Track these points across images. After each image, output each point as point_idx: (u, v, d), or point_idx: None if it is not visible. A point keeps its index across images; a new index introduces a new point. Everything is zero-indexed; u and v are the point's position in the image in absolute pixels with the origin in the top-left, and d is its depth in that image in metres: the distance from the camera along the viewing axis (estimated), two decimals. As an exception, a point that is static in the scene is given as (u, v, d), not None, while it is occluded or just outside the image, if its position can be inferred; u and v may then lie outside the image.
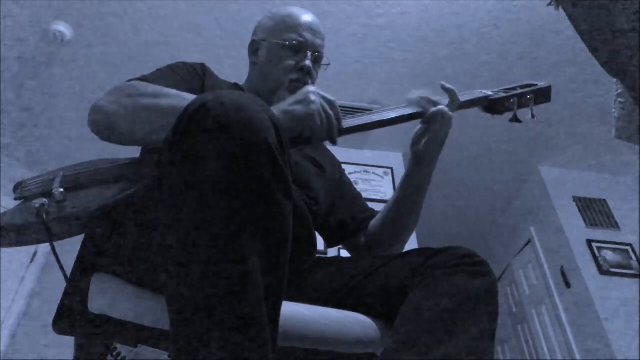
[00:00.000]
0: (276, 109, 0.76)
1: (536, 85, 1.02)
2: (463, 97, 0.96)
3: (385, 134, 3.11)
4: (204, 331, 0.49)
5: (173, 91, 0.78)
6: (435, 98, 0.93)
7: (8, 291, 3.26)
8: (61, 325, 0.70)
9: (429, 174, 0.97)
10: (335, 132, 0.79)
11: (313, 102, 0.77)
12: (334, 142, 0.80)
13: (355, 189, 1.16)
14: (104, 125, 0.77)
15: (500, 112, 1.00)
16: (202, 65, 1.01)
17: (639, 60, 0.68)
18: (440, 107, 0.90)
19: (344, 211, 1.07)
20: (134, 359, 0.76)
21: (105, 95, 0.79)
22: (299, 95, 0.78)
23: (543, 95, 1.01)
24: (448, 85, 0.94)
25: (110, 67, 2.90)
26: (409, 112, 0.91)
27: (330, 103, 0.79)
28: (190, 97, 0.74)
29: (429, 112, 0.90)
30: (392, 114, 0.90)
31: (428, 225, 3.35)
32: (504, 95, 0.99)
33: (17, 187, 0.73)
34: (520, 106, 0.99)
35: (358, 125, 0.86)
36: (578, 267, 3.10)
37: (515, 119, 0.98)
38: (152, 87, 0.80)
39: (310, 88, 0.79)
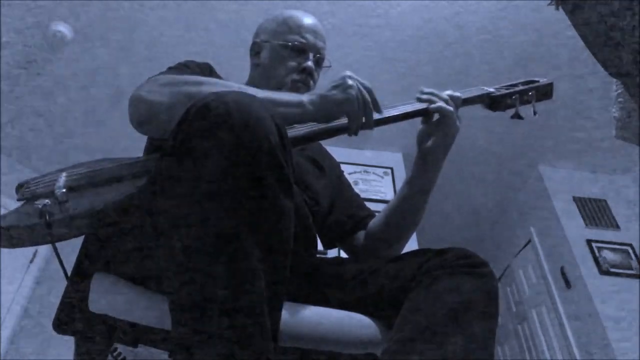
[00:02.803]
0: (313, 94, 0.77)
1: (538, 82, 1.02)
2: (465, 94, 0.96)
3: (385, 134, 3.11)
4: (204, 331, 0.49)
5: (213, 79, 0.79)
6: (444, 94, 0.92)
7: (8, 291, 3.26)
8: (61, 325, 0.70)
9: (437, 172, 0.95)
10: (372, 118, 0.79)
11: (350, 86, 0.77)
12: (370, 128, 0.80)
13: (353, 189, 1.16)
14: (146, 115, 0.76)
15: (502, 109, 0.99)
16: (209, 65, 1.02)
17: (639, 61, 0.68)
18: (439, 104, 0.89)
19: (342, 211, 1.07)
20: (134, 359, 0.76)
21: (143, 86, 0.79)
22: (337, 80, 0.79)
23: (545, 92, 1.01)
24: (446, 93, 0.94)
25: (110, 67, 2.90)
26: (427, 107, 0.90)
27: (367, 89, 0.79)
28: (230, 84, 0.76)
29: (431, 107, 0.89)
30: (417, 107, 0.90)
31: (428, 226, 3.34)
32: (506, 92, 0.99)
33: (20, 187, 0.73)
34: (522, 103, 0.98)
35: (401, 114, 0.86)
36: (578, 267, 3.10)
37: (517, 116, 0.98)
38: (192, 77, 0.81)
39: (348, 73, 0.80)
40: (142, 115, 0.77)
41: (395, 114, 0.87)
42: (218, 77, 1.02)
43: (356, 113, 0.77)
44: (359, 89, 0.78)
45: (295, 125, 0.79)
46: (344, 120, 0.80)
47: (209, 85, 0.74)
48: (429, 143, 0.92)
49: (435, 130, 0.92)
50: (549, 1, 0.76)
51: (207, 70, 1.00)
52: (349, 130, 0.79)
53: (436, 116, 0.93)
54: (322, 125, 0.80)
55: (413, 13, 2.63)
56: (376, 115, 0.86)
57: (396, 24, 2.70)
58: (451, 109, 0.89)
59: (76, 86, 3.01)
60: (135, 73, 2.85)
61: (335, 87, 0.78)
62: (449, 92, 0.92)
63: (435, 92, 0.91)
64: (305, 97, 0.78)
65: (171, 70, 0.92)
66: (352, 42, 2.79)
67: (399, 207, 0.98)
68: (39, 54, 2.81)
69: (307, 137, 0.80)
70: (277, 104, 0.74)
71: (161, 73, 0.88)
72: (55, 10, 2.57)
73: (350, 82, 0.78)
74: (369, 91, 0.80)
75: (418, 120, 0.94)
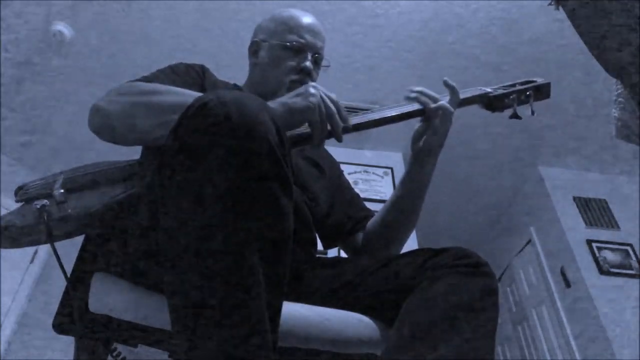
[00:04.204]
0: (275, 102, 0.75)
1: (535, 81, 1.03)
2: (463, 94, 0.96)
3: (385, 134, 3.11)
4: (204, 331, 0.49)
5: (172, 88, 0.78)
6: (434, 94, 0.92)
7: (8, 291, 3.26)
8: (61, 325, 0.70)
9: (430, 172, 0.96)
10: (338, 128, 0.78)
11: (312, 94, 0.76)
12: (338, 139, 0.78)
13: (353, 189, 1.16)
14: (104, 125, 0.78)
15: (500, 109, 1.00)
16: (202, 67, 1.02)
17: (639, 60, 0.68)
18: (440, 102, 0.90)
19: (341, 211, 1.07)
20: (134, 359, 0.76)
21: (104, 95, 0.80)
22: (299, 89, 0.78)
23: (542, 91, 1.02)
24: (450, 82, 0.94)
25: (110, 67, 2.90)
26: (412, 109, 0.91)
27: (331, 99, 0.78)
28: (189, 93, 0.74)
29: (429, 107, 0.90)
30: (395, 112, 0.89)
31: (428, 225, 3.34)
32: (504, 92, 1.00)
33: (19, 189, 0.73)
34: (519, 103, 0.99)
35: (364, 122, 0.85)
36: (578, 267, 3.10)
37: (515, 116, 0.98)
38: (150, 85, 0.81)
39: (312, 83, 0.78)
40: (98, 124, 0.78)
41: (392, 114, 0.88)
42: (212, 78, 1.02)
43: (318, 122, 0.75)
44: (322, 98, 0.76)
45: None
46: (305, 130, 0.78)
47: (165, 95, 0.75)
48: (421, 143, 0.93)
49: (427, 129, 0.92)
50: (549, 1, 0.76)
51: (199, 71, 0.99)
52: (313, 139, 0.77)
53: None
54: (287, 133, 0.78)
55: (413, 13, 2.63)
56: (373, 116, 0.86)
57: (396, 24, 2.70)
58: (450, 108, 0.90)
59: (76, 86, 3.01)
60: (135, 73, 2.84)
61: (297, 96, 0.76)
62: (442, 102, 0.92)
63: (424, 90, 0.91)
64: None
65: (155, 73, 0.93)
66: (353, 42, 2.79)
67: (395, 207, 0.99)
68: (39, 54, 2.81)
69: None
70: None
71: (144, 77, 0.88)
72: (55, 10, 2.57)
73: (312, 90, 0.76)
74: (334, 101, 0.78)
75: (418, 120, 0.95)
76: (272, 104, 0.75)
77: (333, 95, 0.78)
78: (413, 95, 0.91)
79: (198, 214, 0.52)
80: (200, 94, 0.68)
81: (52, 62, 2.86)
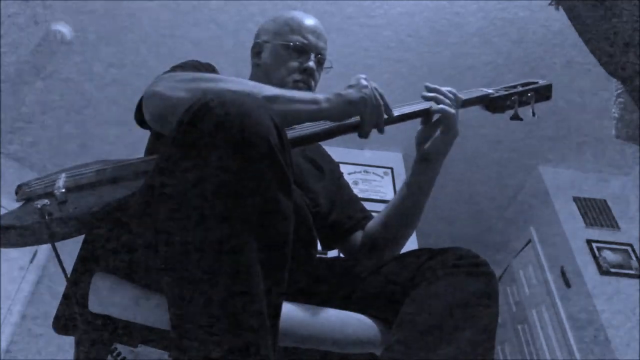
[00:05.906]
0: (329, 93, 0.79)
1: (537, 83, 1.03)
2: (464, 95, 0.96)
3: (385, 133, 3.09)
4: (204, 331, 0.49)
5: (230, 77, 0.79)
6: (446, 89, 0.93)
7: (8, 291, 3.26)
8: (61, 325, 0.70)
9: (435, 174, 0.96)
10: (383, 120, 0.82)
11: (366, 87, 0.80)
12: (381, 130, 0.82)
13: (352, 191, 1.16)
14: (164, 111, 0.76)
15: (502, 110, 1.00)
16: (211, 66, 1.02)
17: (639, 61, 0.68)
18: (442, 106, 0.90)
19: (340, 212, 1.07)
20: (134, 359, 0.76)
21: (159, 81, 0.79)
22: (352, 80, 0.81)
23: (544, 93, 1.02)
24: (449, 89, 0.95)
25: (110, 67, 2.90)
26: (429, 107, 0.92)
27: (379, 92, 0.82)
28: (246, 82, 0.77)
29: (438, 108, 0.91)
30: (417, 107, 0.91)
31: (428, 225, 3.33)
32: (505, 93, 1.00)
33: (19, 188, 0.73)
34: (521, 104, 1.00)
35: (405, 114, 0.88)
36: (578, 267, 3.10)
37: (516, 117, 0.99)
38: (208, 74, 0.82)
39: (363, 75, 0.82)
40: (160, 111, 0.77)
41: (395, 114, 0.88)
42: None
43: (370, 113, 0.79)
44: (372, 90, 0.80)
45: (306, 123, 0.79)
46: (353, 121, 0.81)
47: (225, 82, 0.75)
48: (428, 145, 0.93)
49: (434, 132, 0.92)
50: (550, 1, 0.76)
51: (210, 71, 1.00)
52: (361, 129, 0.81)
53: (436, 116, 0.93)
54: (333, 124, 0.81)
55: (413, 13, 2.63)
56: (403, 111, 0.88)
57: (396, 24, 2.70)
58: (453, 111, 0.90)
59: (76, 86, 3.01)
60: (135, 73, 2.86)
61: (350, 87, 0.80)
62: (449, 88, 0.93)
63: (440, 89, 0.92)
64: (320, 95, 0.79)
65: (178, 68, 0.92)
66: (352, 42, 2.79)
67: (398, 208, 0.99)
68: (39, 54, 2.80)
69: (316, 135, 0.81)
70: (293, 101, 0.75)
71: (167, 71, 0.88)
72: (55, 10, 2.57)
73: (365, 82, 0.80)
74: (381, 94, 0.82)
75: (418, 120, 0.95)
76: (325, 93, 0.79)
77: (380, 88, 0.82)
78: (430, 94, 0.93)
79: (197, 213, 0.52)
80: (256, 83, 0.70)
81: (52, 62, 2.86)
